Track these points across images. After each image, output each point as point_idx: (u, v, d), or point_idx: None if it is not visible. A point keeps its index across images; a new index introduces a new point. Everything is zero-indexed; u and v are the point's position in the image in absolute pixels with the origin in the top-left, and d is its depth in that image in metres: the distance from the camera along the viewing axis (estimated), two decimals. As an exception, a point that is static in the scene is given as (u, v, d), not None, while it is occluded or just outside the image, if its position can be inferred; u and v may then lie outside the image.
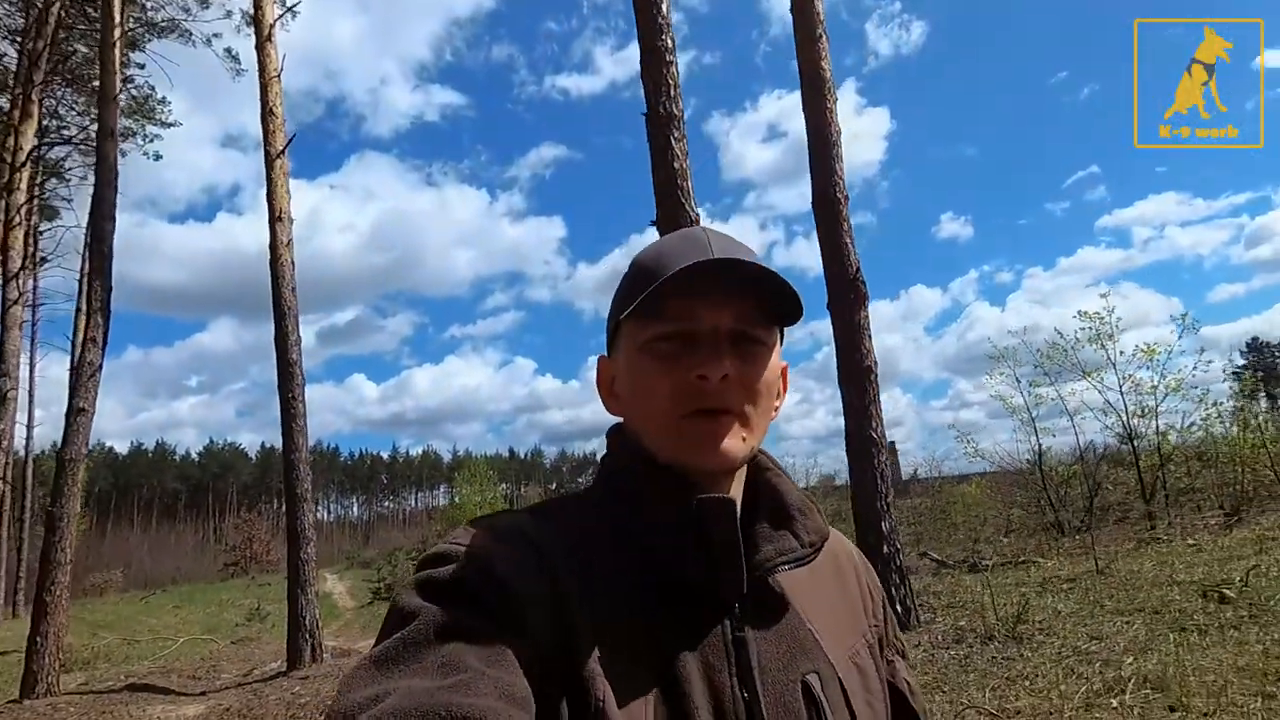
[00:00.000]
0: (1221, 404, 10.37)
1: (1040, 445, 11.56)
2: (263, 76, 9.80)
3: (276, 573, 28.65)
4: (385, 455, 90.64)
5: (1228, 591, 5.07)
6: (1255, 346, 63.69)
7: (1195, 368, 10.54)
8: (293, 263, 9.45)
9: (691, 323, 0.56)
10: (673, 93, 4.33)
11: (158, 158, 20.63)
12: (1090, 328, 11.06)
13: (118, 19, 9.50)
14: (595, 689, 0.47)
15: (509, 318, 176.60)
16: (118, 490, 62.96)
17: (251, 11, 10.10)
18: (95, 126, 12.05)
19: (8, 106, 13.40)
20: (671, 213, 4.31)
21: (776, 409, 0.62)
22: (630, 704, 0.48)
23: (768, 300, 0.57)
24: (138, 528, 49.71)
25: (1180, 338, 10.81)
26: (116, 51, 9.34)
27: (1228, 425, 10.06)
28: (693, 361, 0.55)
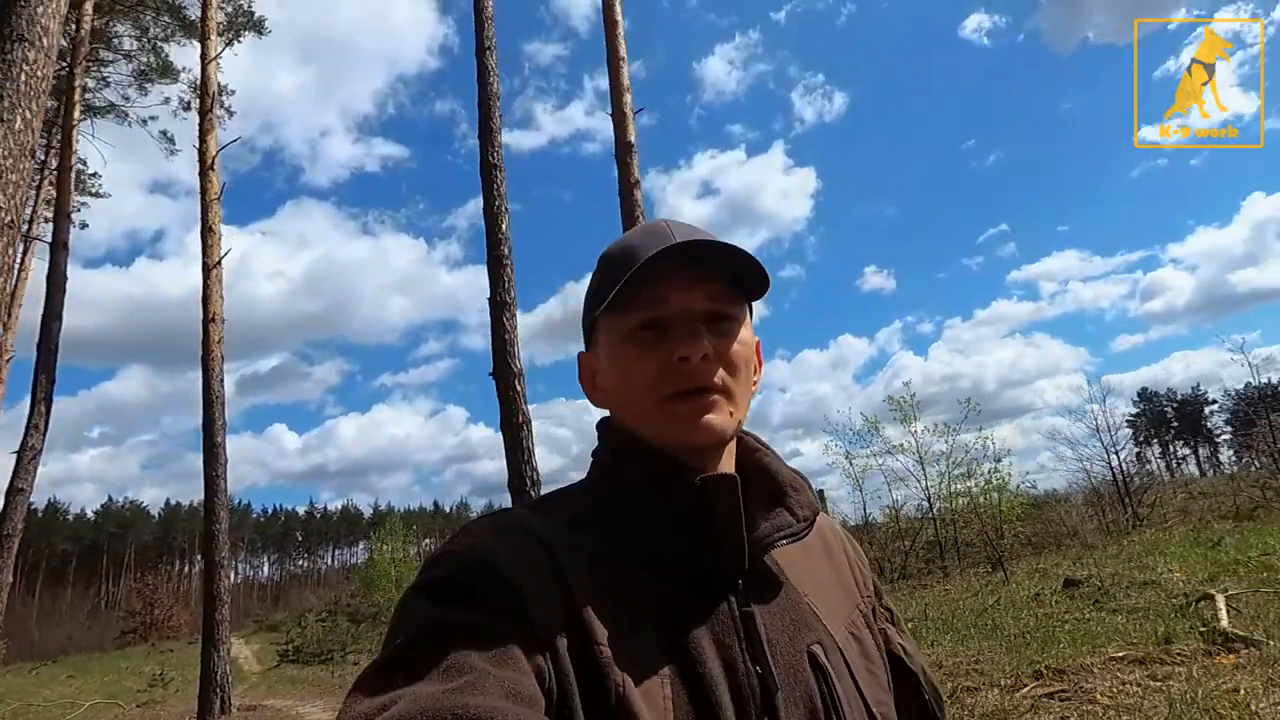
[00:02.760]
0: (990, 476, 13.21)
1: (865, 505, 14.14)
2: (204, 198, 11.47)
3: (179, 639, 27.96)
4: (301, 511, 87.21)
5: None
6: (1146, 396, 70.23)
7: (976, 442, 13.41)
8: (223, 357, 10.97)
9: (665, 308, 0.58)
10: (507, 284, 6.52)
11: (84, 226, 21.47)
12: (897, 411, 13.83)
13: (75, 146, 11.07)
14: (613, 675, 0.47)
15: (442, 365, 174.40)
16: (-4, 553, 57.86)
17: (196, 144, 11.82)
18: (46, 225, 13.31)
19: None
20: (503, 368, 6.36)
21: (755, 383, 0.64)
22: (648, 686, 0.48)
23: (734, 277, 0.59)
24: (21, 593, 46.17)
25: (965, 418, 13.69)
26: (71, 175, 10.88)
27: (996, 494, 12.83)
28: (672, 345, 0.56)
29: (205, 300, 10.95)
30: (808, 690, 0.54)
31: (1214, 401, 58.50)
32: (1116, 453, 14.01)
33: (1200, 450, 66.71)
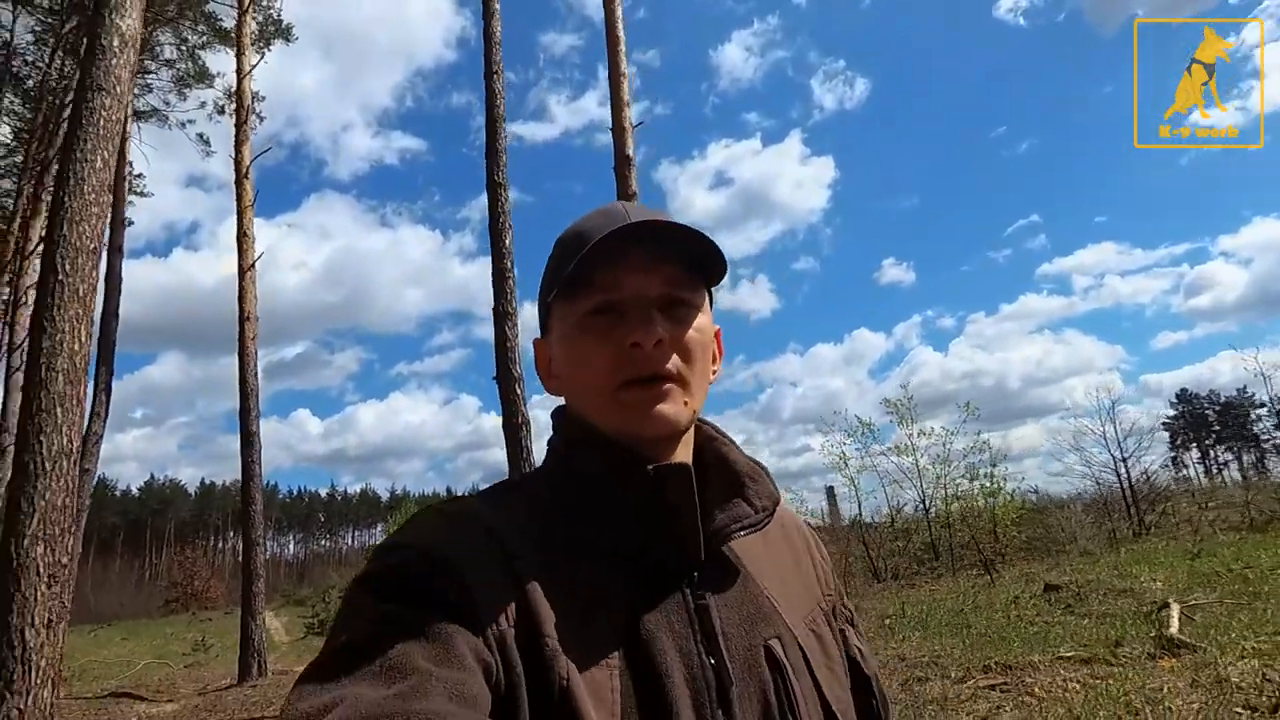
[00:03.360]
0: (986, 482, 13.40)
1: (861, 507, 14.47)
2: (239, 204, 12.19)
3: (216, 609, 29.52)
4: (324, 493, 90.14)
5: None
6: (1185, 397, 67.12)
7: (973, 447, 13.62)
8: (257, 352, 11.73)
9: (618, 292, 0.56)
10: (509, 295, 7.07)
11: (130, 223, 22.64)
12: (893, 415, 14.09)
13: (130, 156, 11.88)
14: (558, 667, 0.47)
15: (455, 355, 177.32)
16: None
17: (232, 154, 12.54)
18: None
19: (20, 199, 15.55)
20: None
21: (715, 372, 0.62)
22: (596, 678, 0.48)
23: (691, 261, 0.58)
24: (76, 563, 48.74)
25: (955, 432, 13.85)
26: (126, 184, 11.70)
27: (991, 499, 13.03)
28: (624, 331, 0.55)
29: (241, 299, 11.68)
30: (763, 685, 0.53)
31: (1262, 405, 53.63)
32: (1124, 461, 14.08)
33: (1245, 456, 62.96)
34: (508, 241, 7.24)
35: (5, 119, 15.38)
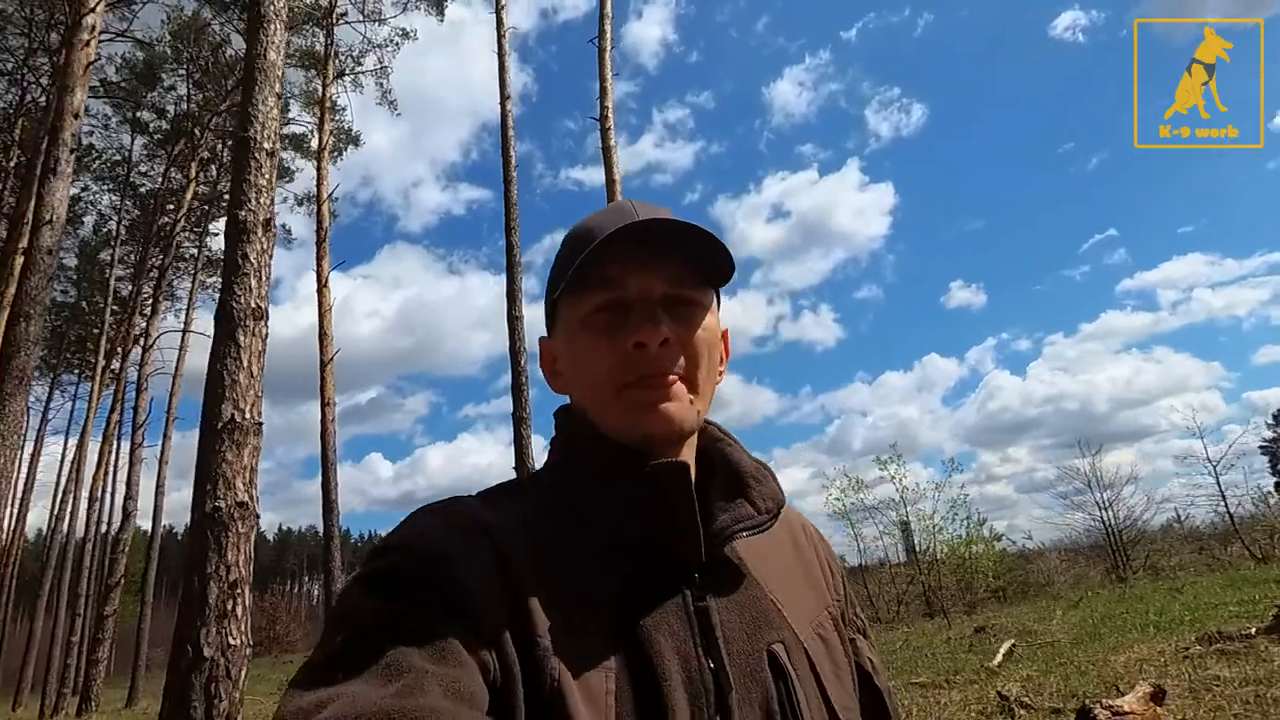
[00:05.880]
0: (974, 528, 14.69)
1: (861, 550, 15.87)
2: (321, 308, 15.10)
3: (296, 652, 32.26)
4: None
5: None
6: None
7: (960, 500, 14.93)
8: (336, 433, 14.40)
9: (624, 291, 0.56)
10: (524, 402, 9.36)
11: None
12: (884, 473, 15.60)
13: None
14: (549, 667, 0.47)
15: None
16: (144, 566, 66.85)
17: (314, 268, 15.58)
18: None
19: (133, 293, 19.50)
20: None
21: (721, 374, 0.62)
22: (590, 679, 0.47)
23: (699, 260, 0.57)
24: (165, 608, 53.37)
25: (949, 476, 15.24)
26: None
27: (974, 545, 14.29)
28: (630, 330, 0.55)
29: (322, 389, 14.42)
30: (764, 690, 0.52)
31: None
32: (1108, 508, 15.02)
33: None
34: (523, 362, 9.58)
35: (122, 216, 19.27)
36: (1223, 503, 14.07)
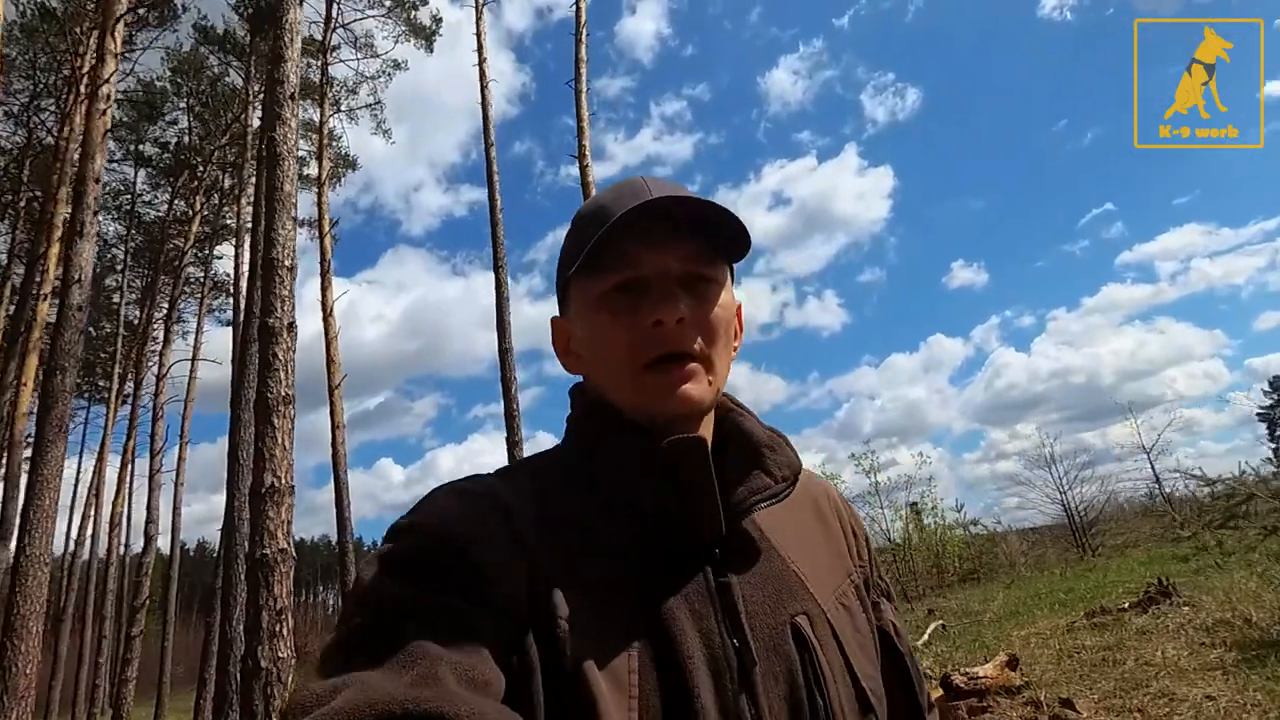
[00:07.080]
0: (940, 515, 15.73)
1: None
2: (326, 336, 16.15)
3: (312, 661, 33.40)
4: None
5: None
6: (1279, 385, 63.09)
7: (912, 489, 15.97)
8: (346, 455, 15.47)
9: (639, 269, 0.56)
10: (516, 429, 10.42)
11: (229, 324, 27.78)
12: (861, 467, 16.66)
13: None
14: (569, 648, 0.47)
15: (529, 394, 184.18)
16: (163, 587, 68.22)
17: (319, 294, 16.61)
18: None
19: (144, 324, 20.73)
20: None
21: (735, 349, 0.62)
22: (612, 659, 0.47)
23: (713, 237, 0.57)
24: (190, 622, 54.79)
25: (928, 462, 16.30)
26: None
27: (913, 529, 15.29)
28: (647, 309, 0.55)
29: (332, 413, 15.49)
30: (789, 664, 0.52)
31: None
32: (1065, 490, 16.06)
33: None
34: (517, 407, 10.65)
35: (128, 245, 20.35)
36: (1157, 485, 15.19)
